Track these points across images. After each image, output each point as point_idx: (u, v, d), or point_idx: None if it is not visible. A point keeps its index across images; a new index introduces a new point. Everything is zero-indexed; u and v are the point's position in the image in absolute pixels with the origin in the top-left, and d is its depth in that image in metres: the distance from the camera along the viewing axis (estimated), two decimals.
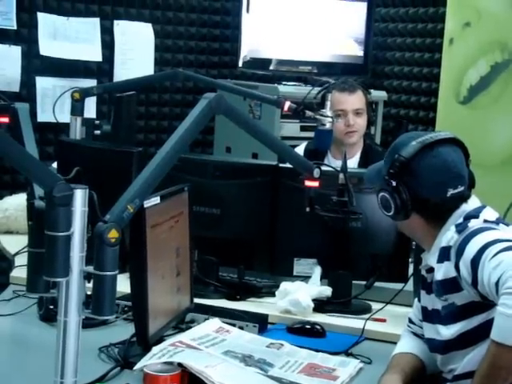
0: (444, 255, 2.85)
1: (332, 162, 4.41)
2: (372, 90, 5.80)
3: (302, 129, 5.40)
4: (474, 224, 2.81)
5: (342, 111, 4.37)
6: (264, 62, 6.12)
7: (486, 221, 2.82)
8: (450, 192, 2.85)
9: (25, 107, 4.44)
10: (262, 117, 5.36)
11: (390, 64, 6.21)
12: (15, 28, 5.91)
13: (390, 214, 2.94)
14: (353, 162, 4.38)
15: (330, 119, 3.91)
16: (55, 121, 5.20)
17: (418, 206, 2.89)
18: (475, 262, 2.66)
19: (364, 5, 6.17)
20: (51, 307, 3.09)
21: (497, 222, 2.86)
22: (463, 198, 2.92)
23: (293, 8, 6.17)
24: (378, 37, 6.22)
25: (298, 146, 4.57)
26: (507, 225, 2.90)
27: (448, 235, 2.86)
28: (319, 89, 4.38)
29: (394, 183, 2.88)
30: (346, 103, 4.40)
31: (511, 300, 2.47)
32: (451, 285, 2.82)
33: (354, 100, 4.51)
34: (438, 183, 2.86)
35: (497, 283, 2.54)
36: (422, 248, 3.11)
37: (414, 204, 2.88)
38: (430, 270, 2.94)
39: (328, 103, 4.03)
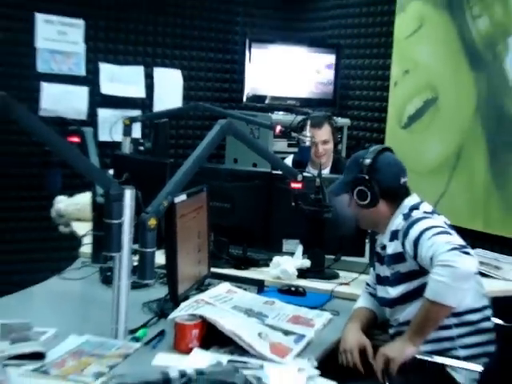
0: (394, 236, 2.91)
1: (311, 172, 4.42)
2: (339, 118, 5.83)
3: (289, 145, 5.39)
4: (416, 214, 2.87)
5: (313, 142, 4.38)
6: (261, 98, 6.11)
7: (425, 212, 2.88)
8: (402, 180, 2.99)
9: (90, 130, 4.44)
10: (259, 137, 5.34)
11: (352, 99, 6.19)
12: (84, 74, 5.92)
13: (365, 202, 2.97)
14: (326, 171, 4.39)
15: (309, 138, 3.92)
16: (111, 140, 5.20)
17: (383, 193, 2.94)
18: (417, 241, 2.72)
19: (333, 57, 6.17)
20: (108, 274, 3.09)
21: (432, 212, 2.92)
22: (408, 188, 3.00)
23: (282, 59, 6.20)
24: (343, 80, 6.21)
25: (286, 158, 4.58)
26: (439, 214, 2.95)
27: (397, 221, 2.91)
28: (301, 118, 4.40)
29: (367, 178, 2.91)
30: (316, 136, 4.40)
31: (441, 270, 2.54)
32: (398, 257, 2.87)
33: (322, 133, 4.53)
34: (394, 173, 2.98)
35: (431, 258, 2.61)
36: (375, 233, 3.13)
37: (381, 192, 2.91)
38: (383, 247, 2.99)
39: (307, 127, 4.04)
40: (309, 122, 4.25)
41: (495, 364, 2.43)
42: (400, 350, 2.68)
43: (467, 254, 2.58)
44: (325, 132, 4.56)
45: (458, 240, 2.68)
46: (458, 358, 2.77)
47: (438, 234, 2.70)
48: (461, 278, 2.56)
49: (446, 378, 2.75)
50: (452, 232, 2.77)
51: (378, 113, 5.96)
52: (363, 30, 6.14)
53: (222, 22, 6.53)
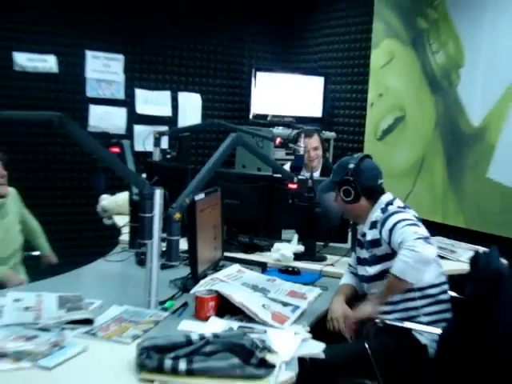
0: (373, 225, 2.93)
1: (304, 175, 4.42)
2: (327, 132, 5.85)
3: (287, 154, 5.37)
4: (391, 208, 2.89)
5: (306, 149, 4.39)
6: (264, 116, 6.10)
7: (399, 207, 2.90)
8: (379, 181, 3.00)
9: (127, 142, 4.42)
10: (263, 147, 5.34)
11: (337, 117, 6.17)
12: (123, 98, 5.93)
13: (349, 199, 2.97)
14: (316, 174, 4.40)
15: (303, 148, 3.91)
16: (144, 150, 5.20)
17: (364, 191, 2.94)
18: (391, 229, 2.75)
19: (322, 83, 6.15)
20: (142, 257, 3.09)
21: (404, 207, 2.93)
22: (383, 187, 3.01)
23: (281, 84, 6.18)
24: (330, 101, 6.19)
25: (285, 164, 4.56)
26: (409, 208, 2.97)
27: (376, 214, 2.93)
28: (296, 131, 4.39)
29: (351, 179, 2.91)
30: (308, 144, 4.41)
31: (407, 253, 2.58)
32: (375, 243, 2.90)
33: (313, 141, 4.54)
34: (373, 176, 2.99)
35: (400, 243, 2.64)
36: (356, 224, 3.13)
37: (362, 190, 2.91)
38: (364, 235, 2.99)
39: (301, 139, 4.02)
40: (302, 135, 4.25)
41: (451, 327, 2.43)
42: (367, 309, 2.79)
43: (429, 243, 2.61)
44: (315, 140, 4.57)
45: (423, 231, 2.70)
46: (421, 323, 2.79)
47: (409, 225, 2.72)
48: (421, 261, 2.60)
49: (412, 339, 2.78)
50: (420, 224, 2.77)
51: (358, 128, 5.95)
52: (346, 61, 6.12)
53: (233, 55, 6.52)
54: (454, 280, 3.06)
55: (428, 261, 2.62)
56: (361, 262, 3.02)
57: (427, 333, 2.73)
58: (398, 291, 2.76)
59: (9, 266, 3.49)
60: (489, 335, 2.28)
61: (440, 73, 5.16)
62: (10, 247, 3.55)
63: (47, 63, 5.55)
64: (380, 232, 2.85)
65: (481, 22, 4.80)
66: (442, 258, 3.31)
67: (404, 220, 2.77)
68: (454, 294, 2.98)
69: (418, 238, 2.61)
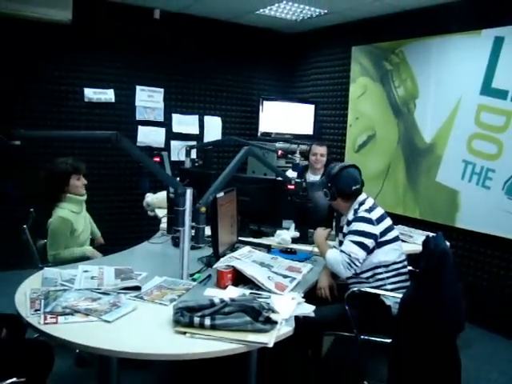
0: (347, 223, 2.88)
1: (311, 176, 4.40)
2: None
3: (286, 163, 5.37)
4: (360, 210, 2.86)
5: (315, 153, 4.37)
6: (269, 134, 6.09)
7: (366, 210, 2.85)
8: (353, 187, 2.92)
9: (166, 154, 4.46)
10: (268, 157, 5.30)
11: (324, 134, 6.14)
12: (163, 120, 5.91)
13: (328, 198, 2.97)
14: (319, 177, 4.35)
15: (298, 159, 3.91)
16: (178, 159, 5.21)
17: (339, 193, 2.92)
18: (347, 234, 2.83)
19: (313, 108, 6.15)
20: (177, 240, 3.09)
21: (372, 207, 2.88)
22: (358, 191, 2.94)
23: (281, 110, 6.19)
24: (319, 123, 6.18)
25: (287, 171, 4.52)
26: (377, 206, 2.92)
27: (350, 214, 2.91)
28: (295, 146, 4.39)
29: (329, 185, 2.90)
30: (317, 150, 4.39)
31: (336, 264, 2.81)
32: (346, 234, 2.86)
33: (321, 149, 4.46)
34: (348, 183, 2.92)
35: (341, 251, 2.81)
36: (340, 216, 3.13)
37: (338, 193, 2.90)
38: (343, 227, 2.95)
39: (297, 152, 4.02)
40: (313, 145, 4.28)
41: (409, 293, 2.43)
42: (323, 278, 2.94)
43: (349, 269, 2.76)
44: (323, 149, 4.47)
45: (357, 253, 2.75)
46: (386, 290, 2.78)
47: (354, 242, 2.77)
48: (335, 271, 2.83)
49: (380, 302, 2.76)
50: (367, 242, 2.77)
51: (340, 143, 5.93)
52: (331, 93, 6.10)
53: (245, 88, 6.50)
54: (411, 258, 3.05)
55: (339, 274, 2.82)
56: (341, 244, 3.00)
57: (391, 297, 2.72)
58: (321, 253, 3.01)
59: (87, 245, 3.53)
60: (436, 297, 2.28)
61: (401, 102, 5.14)
62: (88, 231, 3.61)
63: (107, 95, 5.56)
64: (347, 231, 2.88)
65: (429, 65, 4.81)
66: (403, 241, 3.30)
67: (356, 233, 2.78)
68: (411, 268, 2.98)
69: (348, 263, 2.74)
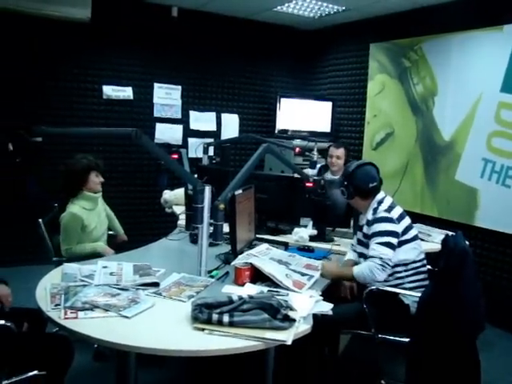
0: (367, 223, 2.85)
1: (329, 177, 4.36)
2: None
3: (304, 160, 5.35)
4: (380, 209, 2.84)
5: (331, 155, 4.32)
6: (286, 131, 6.08)
7: (385, 210, 2.82)
8: (370, 185, 2.89)
9: (184, 151, 4.47)
10: (285, 155, 5.30)
11: (342, 132, 6.12)
12: (180, 117, 5.94)
13: (345, 196, 2.95)
14: (337, 177, 4.29)
15: (316, 156, 3.89)
16: (196, 156, 5.22)
17: (357, 192, 2.89)
18: (371, 237, 2.80)
19: (330, 106, 6.11)
20: (195, 237, 3.08)
21: (391, 206, 2.86)
22: (376, 189, 2.91)
23: (299, 107, 6.16)
24: (336, 120, 6.15)
25: (304, 168, 4.48)
26: (396, 205, 2.90)
27: (369, 213, 2.88)
28: (312, 143, 4.37)
29: (346, 183, 2.88)
30: (333, 152, 4.34)
31: (367, 270, 2.72)
32: (367, 236, 2.85)
33: (337, 151, 4.35)
34: (365, 180, 2.89)
35: (370, 256, 2.76)
36: (358, 214, 3.10)
37: (355, 191, 2.88)
38: (363, 226, 2.94)
39: (315, 150, 4.00)
40: (331, 146, 4.28)
41: (428, 292, 2.41)
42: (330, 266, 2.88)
43: (384, 270, 2.69)
44: (339, 151, 4.36)
45: (388, 253, 2.71)
46: (405, 289, 2.76)
47: (381, 244, 2.73)
48: (371, 280, 2.71)
49: (399, 301, 2.75)
50: (393, 241, 2.75)
51: (357, 140, 5.90)
52: (348, 90, 6.07)
53: (263, 85, 6.49)
54: (429, 257, 3.02)
55: (375, 281, 2.71)
56: (360, 243, 2.98)
57: (410, 296, 2.71)
58: (347, 279, 2.89)
59: (102, 241, 3.55)
60: (456, 297, 2.26)
61: (419, 100, 5.10)
62: (102, 228, 3.61)
63: (126, 92, 5.59)
64: (369, 231, 2.85)
65: (449, 62, 4.76)
66: (421, 240, 3.27)
67: (381, 234, 2.75)
68: (429, 267, 2.95)
69: (381, 265, 2.69)
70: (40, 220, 3.32)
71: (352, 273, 2.78)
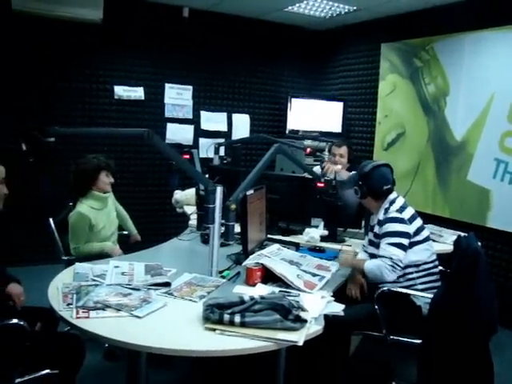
0: (378, 223, 2.85)
1: (338, 176, 4.35)
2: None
3: (314, 160, 5.33)
4: (392, 209, 2.84)
5: (334, 154, 4.30)
6: (297, 131, 6.07)
7: (397, 210, 2.82)
8: (385, 187, 2.88)
9: (196, 151, 4.46)
10: (296, 155, 5.29)
11: (353, 132, 6.10)
12: (191, 118, 5.95)
13: (358, 196, 2.94)
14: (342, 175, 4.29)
15: (327, 156, 3.87)
16: (207, 156, 5.22)
17: (370, 192, 2.89)
18: (382, 237, 2.80)
19: (341, 106, 6.09)
20: (206, 237, 3.09)
21: (403, 207, 2.85)
22: (389, 190, 2.90)
23: (310, 107, 6.15)
24: (347, 120, 6.13)
25: (314, 167, 4.48)
26: (408, 206, 2.89)
27: (381, 213, 2.87)
28: (323, 144, 4.35)
29: (360, 183, 2.87)
30: (335, 150, 4.32)
31: (376, 269, 2.74)
32: (378, 236, 2.85)
33: (340, 150, 4.34)
34: (379, 182, 2.89)
35: (380, 256, 2.77)
36: (369, 214, 3.09)
37: (368, 191, 2.87)
38: (374, 226, 2.94)
39: (326, 150, 3.99)
40: (333, 145, 4.24)
41: (440, 293, 2.39)
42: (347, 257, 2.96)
43: (394, 271, 2.70)
44: (342, 150, 4.34)
45: (399, 254, 2.71)
46: (417, 290, 2.75)
47: (392, 245, 2.73)
48: (381, 279, 2.72)
49: (411, 302, 2.74)
50: (404, 241, 2.74)
51: (368, 141, 5.88)
52: (359, 90, 6.05)
53: (274, 86, 6.49)
54: (441, 258, 3.00)
55: (385, 280, 2.72)
56: (371, 243, 2.98)
57: (422, 297, 2.70)
58: (359, 271, 2.88)
59: (111, 241, 3.55)
60: (469, 298, 2.24)
61: (431, 100, 5.07)
62: (112, 228, 3.61)
63: (137, 93, 5.62)
64: (379, 230, 2.85)
65: (461, 61, 4.73)
66: (433, 241, 3.25)
67: (391, 235, 2.75)
68: (441, 268, 2.93)
69: (392, 265, 2.69)
70: (50, 219, 3.34)
71: (363, 267, 2.80)
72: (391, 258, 2.69)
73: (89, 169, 3.46)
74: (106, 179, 3.51)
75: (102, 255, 3.20)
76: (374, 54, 5.77)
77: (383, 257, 2.72)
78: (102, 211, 3.52)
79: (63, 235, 3.40)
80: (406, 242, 2.73)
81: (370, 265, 2.78)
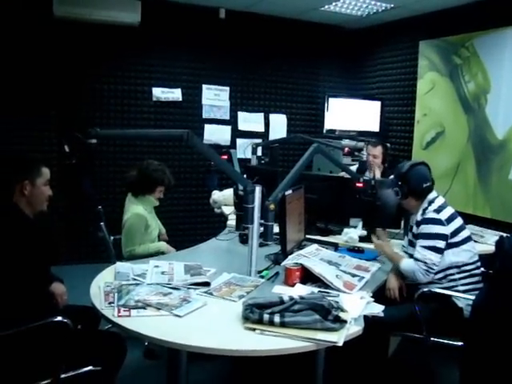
0: (416, 224, 2.81)
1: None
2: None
3: (352, 160, 5.29)
4: (429, 209, 2.81)
5: (368, 154, 4.27)
6: (334, 131, 6.03)
7: (435, 210, 2.79)
8: (424, 185, 2.84)
9: (235, 151, 4.50)
10: (334, 154, 5.26)
11: (391, 131, 6.02)
12: (229, 118, 5.98)
13: (399, 196, 2.91)
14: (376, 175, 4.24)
15: (365, 155, 3.84)
16: (244, 157, 5.24)
17: (410, 192, 2.85)
18: (418, 238, 2.79)
19: (379, 105, 6.02)
20: (245, 237, 3.10)
21: (442, 206, 2.81)
22: (429, 189, 2.86)
23: (347, 107, 6.11)
24: (385, 119, 6.05)
25: (352, 166, 4.43)
26: (447, 205, 2.85)
27: (419, 213, 2.84)
28: (362, 143, 4.31)
29: (400, 183, 2.84)
30: (370, 151, 4.29)
31: (411, 271, 2.73)
32: (417, 236, 2.80)
33: (374, 150, 4.35)
34: (419, 181, 2.85)
35: (415, 258, 2.76)
36: (409, 215, 3.05)
37: (409, 191, 2.83)
38: (412, 227, 2.89)
39: (364, 150, 3.95)
40: (368, 144, 4.20)
41: (482, 295, 2.34)
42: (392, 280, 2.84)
43: (428, 275, 2.69)
44: (376, 150, 4.36)
45: (433, 259, 2.69)
46: (458, 291, 2.70)
47: (427, 248, 2.70)
48: (415, 280, 2.73)
49: (452, 303, 2.69)
50: (440, 244, 2.71)
51: (407, 140, 5.79)
52: (398, 89, 5.97)
53: (311, 85, 6.46)
54: (482, 258, 2.93)
55: (418, 281, 2.72)
56: (411, 244, 2.93)
57: (463, 299, 2.65)
58: (393, 264, 2.88)
59: (157, 241, 3.64)
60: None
61: (471, 97, 4.96)
62: (157, 229, 3.71)
63: (175, 94, 5.68)
64: (417, 232, 2.82)
65: (503, 57, 4.61)
66: (475, 241, 3.18)
67: (427, 237, 2.73)
68: (483, 269, 2.87)
69: (426, 270, 2.68)
70: (102, 223, 3.41)
71: (400, 263, 2.80)
72: (426, 263, 2.68)
73: (154, 177, 3.53)
74: (159, 194, 3.61)
75: (158, 255, 3.28)
76: (412, 51, 5.68)
77: (418, 260, 2.69)
78: (151, 214, 3.63)
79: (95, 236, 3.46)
80: (441, 244, 2.70)
81: (405, 266, 2.77)
